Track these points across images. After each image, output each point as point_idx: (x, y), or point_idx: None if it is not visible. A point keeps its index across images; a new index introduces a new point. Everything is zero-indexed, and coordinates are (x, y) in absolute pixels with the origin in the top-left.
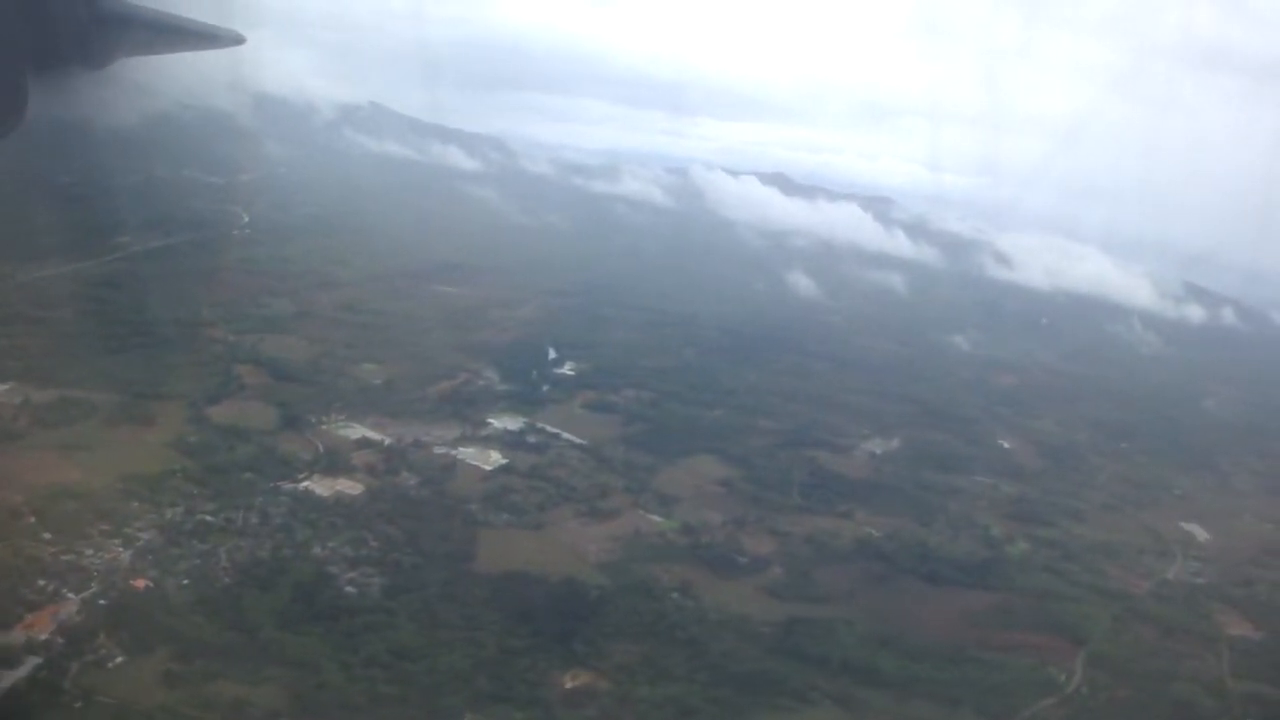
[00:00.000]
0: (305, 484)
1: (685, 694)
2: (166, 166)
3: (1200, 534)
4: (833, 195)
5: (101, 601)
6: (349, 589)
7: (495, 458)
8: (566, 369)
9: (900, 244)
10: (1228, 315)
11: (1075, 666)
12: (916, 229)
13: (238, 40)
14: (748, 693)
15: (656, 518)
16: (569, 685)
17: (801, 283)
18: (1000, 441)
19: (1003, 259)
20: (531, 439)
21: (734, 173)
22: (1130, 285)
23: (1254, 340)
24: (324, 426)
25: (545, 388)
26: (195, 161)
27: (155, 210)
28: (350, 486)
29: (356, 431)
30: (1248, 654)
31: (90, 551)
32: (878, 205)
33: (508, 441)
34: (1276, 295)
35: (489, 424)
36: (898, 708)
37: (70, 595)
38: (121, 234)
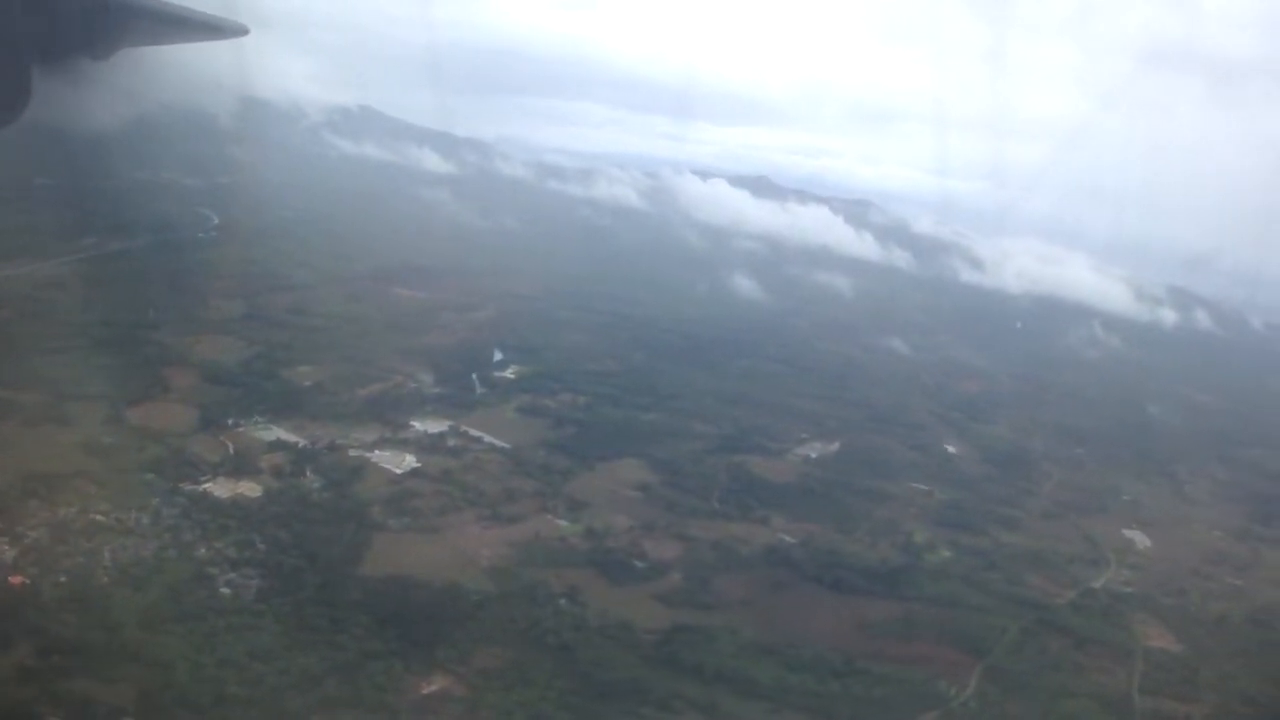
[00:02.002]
0: (206, 486)
1: (539, 700)
2: (147, 169)
3: (1142, 542)
4: (804, 198)
5: None
6: (224, 590)
7: (409, 461)
8: (508, 372)
9: (873, 248)
10: (1207, 320)
11: (969, 680)
12: (893, 233)
13: (241, 31)
14: (608, 700)
15: (563, 522)
16: (425, 691)
17: (763, 286)
18: (946, 447)
19: (980, 264)
20: (452, 442)
21: (705, 175)
22: (1111, 290)
23: (1232, 345)
24: (241, 429)
25: (480, 391)
26: (177, 164)
27: (126, 212)
28: (250, 489)
29: (273, 434)
30: (1162, 667)
31: None
32: (856, 209)
33: (426, 445)
34: (1273, 299)
35: (411, 427)
36: (765, 719)
37: None
38: (87, 236)
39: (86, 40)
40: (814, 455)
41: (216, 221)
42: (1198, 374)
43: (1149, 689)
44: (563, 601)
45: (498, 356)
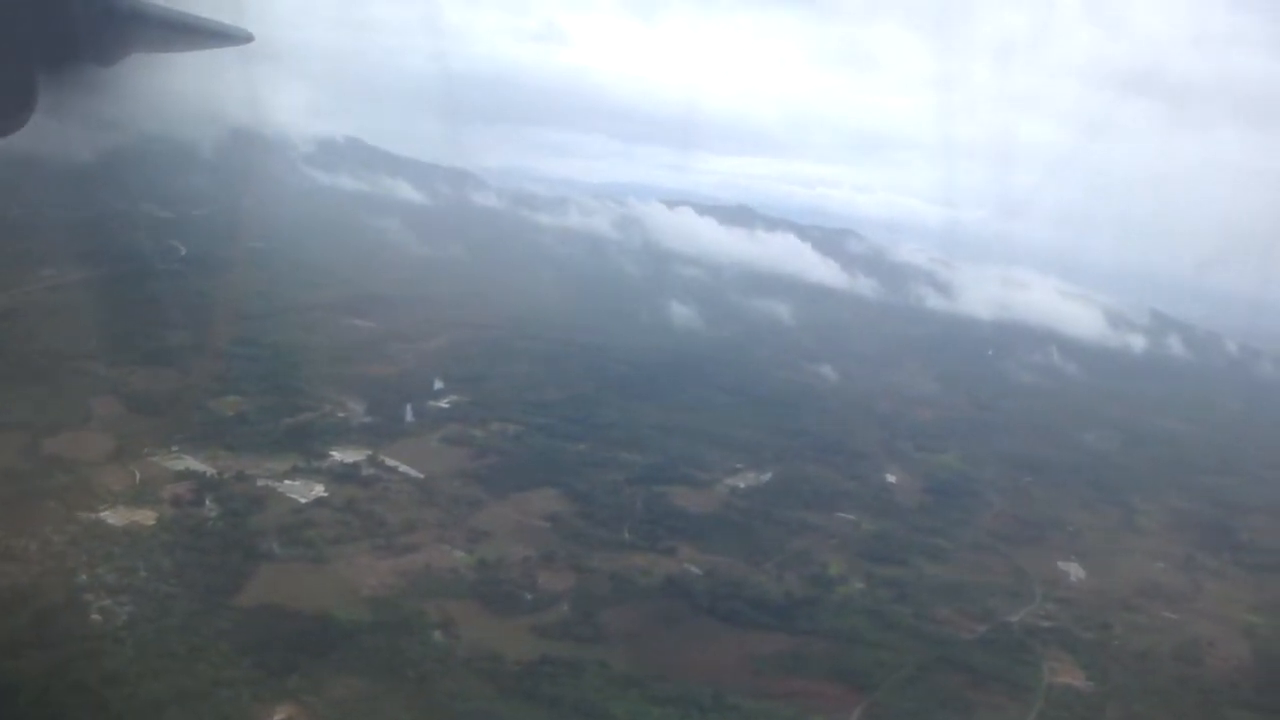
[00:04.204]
0: (103, 514)
1: None
2: (125, 200)
3: (1075, 574)
4: (773, 225)
5: None
6: (95, 616)
7: (316, 491)
8: (444, 402)
9: (843, 277)
10: (1181, 345)
11: (849, 717)
12: (868, 261)
13: (247, 38)
14: None
15: (459, 553)
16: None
17: (722, 315)
18: (886, 477)
19: (952, 291)
20: (366, 472)
21: (672, 204)
22: (1084, 316)
23: (1207, 372)
24: (153, 458)
25: (409, 420)
26: (155, 196)
27: (93, 243)
28: (146, 517)
29: (184, 463)
30: (1062, 706)
31: None
32: (834, 237)
33: (339, 474)
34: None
35: (329, 456)
36: None
37: None
38: (48, 267)
39: (93, 46)
40: (742, 486)
41: (184, 253)
42: (1168, 400)
43: None
44: (436, 633)
45: (438, 386)
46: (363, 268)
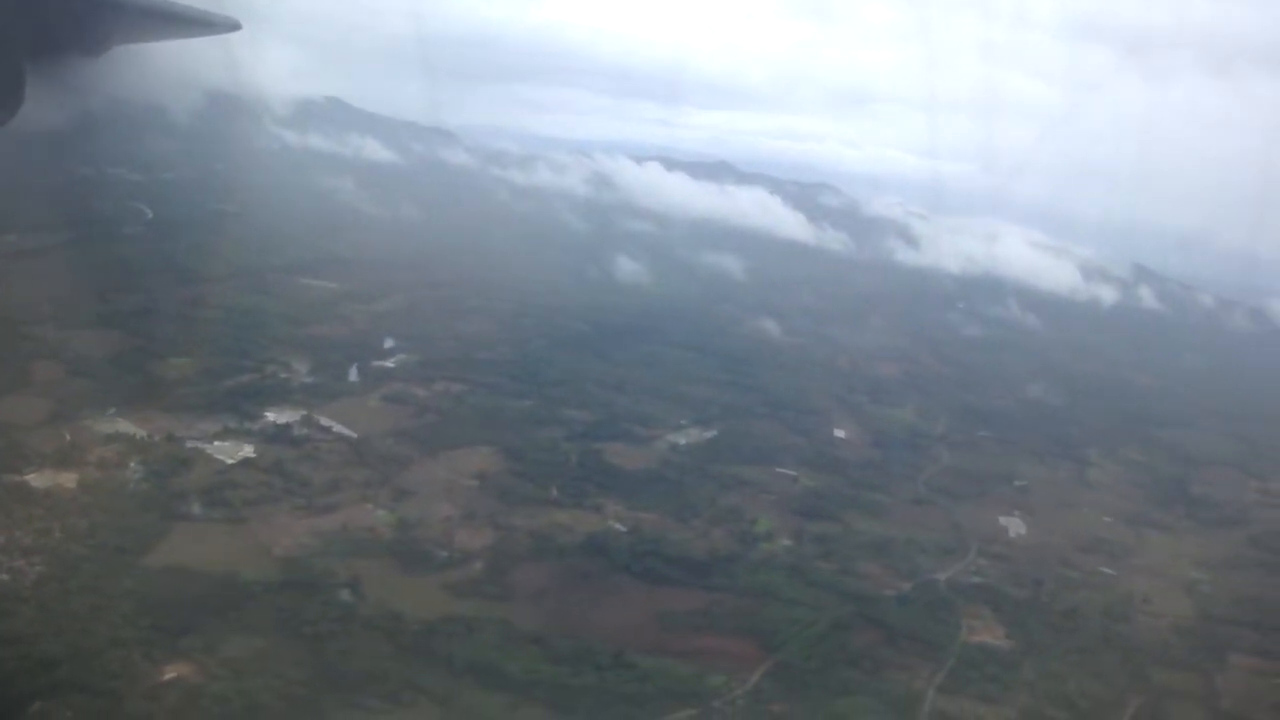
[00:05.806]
0: (29, 477)
1: (263, 689)
2: (93, 165)
3: (1015, 529)
4: (742, 179)
5: None
6: (3, 577)
7: (244, 451)
8: (390, 361)
9: (815, 233)
10: (1160, 299)
11: (750, 675)
12: (841, 216)
13: (233, 26)
14: (338, 690)
15: (380, 511)
16: (160, 679)
17: (686, 271)
18: (835, 432)
19: (922, 245)
20: (299, 432)
21: (639, 159)
22: (1058, 270)
23: (1182, 325)
24: (87, 421)
25: (353, 380)
26: (125, 160)
27: (58, 208)
28: (68, 479)
29: (116, 427)
30: (976, 665)
31: None
32: (809, 192)
33: (270, 435)
34: (1268, 283)
35: (264, 417)
36: (503, 712)
37: None
38: (9, 233)
39: (80, 37)
40: (684, 442)
41: (150, 216)
42: (1137, 354)
43: (951, 688)
44: (343, 592)
45: (388, 345)
46: (327, 229)
